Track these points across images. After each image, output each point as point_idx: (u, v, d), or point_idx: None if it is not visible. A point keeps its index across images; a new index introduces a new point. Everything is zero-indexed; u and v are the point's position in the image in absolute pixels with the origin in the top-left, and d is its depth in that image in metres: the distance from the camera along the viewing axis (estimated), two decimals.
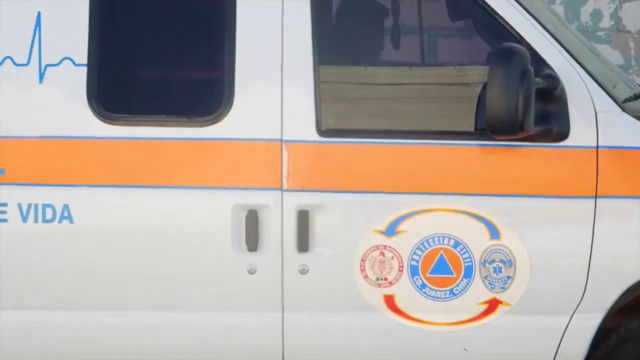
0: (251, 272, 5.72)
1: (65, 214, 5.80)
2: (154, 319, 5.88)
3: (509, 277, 5.68)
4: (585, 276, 5.69)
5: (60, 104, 5.89)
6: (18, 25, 5.91)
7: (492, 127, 5.47)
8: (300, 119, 5.81)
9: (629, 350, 5.90)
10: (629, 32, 10.95)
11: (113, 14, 6.06)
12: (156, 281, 5.93)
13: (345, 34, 6.33)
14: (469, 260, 5.70)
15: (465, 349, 5.79)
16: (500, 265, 5.69)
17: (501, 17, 5.81)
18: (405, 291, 5.72)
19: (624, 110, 5.80)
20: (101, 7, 5.93)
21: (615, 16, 10.89)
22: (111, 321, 5.94)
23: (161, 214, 5.89)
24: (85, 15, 5.85)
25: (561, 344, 5.75)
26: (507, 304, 5.69)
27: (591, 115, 5.67)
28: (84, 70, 5.81)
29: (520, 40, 5.71)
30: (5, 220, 5.84)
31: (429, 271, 5.70)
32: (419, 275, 5.70)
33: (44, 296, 5.92)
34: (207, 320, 5.86)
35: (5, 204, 5.82)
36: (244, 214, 5.74)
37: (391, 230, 5.72)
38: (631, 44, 10.77)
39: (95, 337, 5.95)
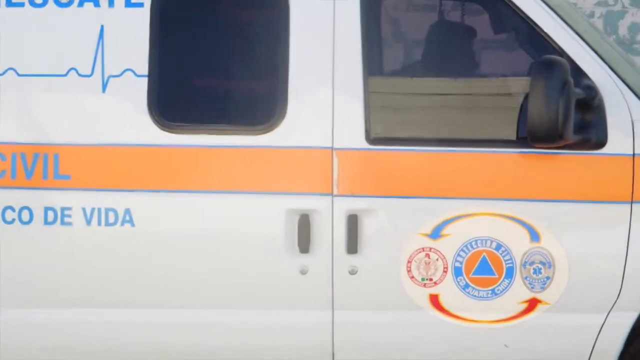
0: (303, 272, 5.87)
1: (127, 218, 5.97)
2: (209, 317, 6.03)
3: (548, 278, 5.82)
4: (621, 277, 5.82)
5: (122, 113, 6.05)
6: (82, 38, 6.07)
7: (533, 135, 5.61)
8: (350, 128, 5.93)
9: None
10: None
11: (172, 27, 6.20)
12: (212, 281, 6.07)
13: (392, 47, 6.49)
14: (510, 261, 5.82)
15: (506, 346, 5.92)
16: (540, 266, 5.83)
17: (543, 30, 5.94)
18: (449, 291, 5.86)
19: None
20: (161, 21, 6.07)
21: None
22: (171, 319, 6.08)
23: (218, 218, 6.03)
24: (146, 28, 6.03)
25: (597, 341, 5.87)
26: (546, 303, 5.82)
27: (628, 124, 5.80)
28: (144, 81, 5.97)
29: (561, 52, 5.83)
30: (70, 224, 6.00)
31: (472, 272, 5.85)
32: (462, 275, 5.86)
33: (107, 295, 6.08)
34: (261, 318, 6.00)
35: (70, 208, 5.96)
36: (296, 218, 5.88)
37: (436, 233, 5.86)
38: None
39: (155, 335, 6.11)
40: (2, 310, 6.13)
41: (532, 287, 5.84)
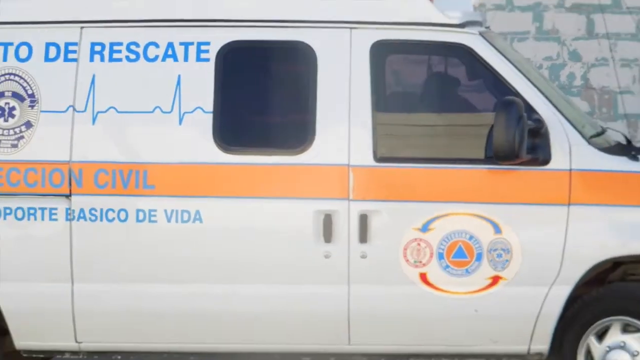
0: (327, 257, 6.70)
1: (197, 217, 6.74)
2: (258, 290, 6.77)
3: (507, 260, 6.64)
4: (561, 260, 6.61)
5: (193, 139, 6.78)
6: (164, 84, 6.80)
7: (497, 155, 6.44)
8: (361, 150, 6.71)
9: (589, 310, 6.75)
10: (594, 89, 11.38)
11: (230, 76, 6.85)
12: (260, 263, 6.76)
13: (393, 91, 7.21)
14: (479, 248, 6.65)
15: (476, 310, 6.66)
16: (501, 252, 6.64)
17: (504, 78, 6.74)
18: (434, 270, 6.68)
19: (590, 143, 6.73)
20: (222, 71, 6.81)
21: (585, 77, 11.34)
22: (228, 291, 6.78)
23: (264, 217, 6.77)
24: (211, 77, 6.79)
25: (543, 307, 6.62)
26: (505, 279, 6.64)
27: (566, 147, 6.62)
28: (210, 116, 6.76)
29: (517, 94, 6.65)
30: (155, 222, 6.77)
31: (451, 256, 6.69)
32: (444, 259, 6.68)
33: (180, 273, 6.79)
34: (297, 290, 6.75)
35: (155, 210, 6.75)
36: (322, 217, 6.69)
37: (425, 228, 6.68)
38: (595, 97, 11.31)
39: (217, 302, 6.78)
40: (105, 284, 6.81)
41: (495, 268, 6.65)
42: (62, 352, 7.16)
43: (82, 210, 6.81)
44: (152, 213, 6.83)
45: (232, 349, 7.07)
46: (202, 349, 7.08)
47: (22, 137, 6.85)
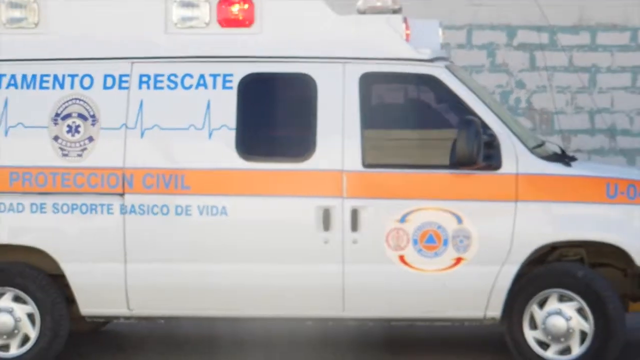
0: (325, 242, 6.74)
1: (223, 211, 6.81)
2: (271, 268, 6.78)
3: (467, 245, 6.68)
4: (510, 244, 6.64)
5: (220, 150, 6.83)
6: (197, 107, 6.85)
7: (459, 162, 6.52)
8: (353, 158, 6.73)
9: (533, 284, 6.80)
10: (536, 110, 11.30)
11: (248, 101, 6.87)
12: (272, 247, 6.78)
13: (377, 112, 7.08)
14: (445, 236, 6.68)
15: (444, 284, 6.72)
16: (463, 238, 6.69)
17: (465, 103, 6.78)
18: (410, 253, 6.70)
19: (532, 153, 6.77)
20: (242, 97, 6.85)
21: (528, 101, 11.24)
22: (247, 269, 6.80)
23: (275, 210, 6.80)
24: (234, 101, 6.85)
25: (496, 281, 6.68)
26: (466, 259, 6.69)
27: (514, 156, 6.67)
28: (233, 132, 6.80)
29: (475, 114, 6.67)
30: (190, 215, 6.81)
31: (424, 242, 6.71)
32: (418, 244, 6.70)
33: (210, 253, 6.83)
34: (302, 268, 6.77)
35: (190, 206, 6.81)
36: (321, 211, 6.71)
37: (403, 219, 6.70)
38: (537, 117, 11.26)
39: (238, 277, 6.82)
40: (151, 264, 6.85)
41: (458, 251, 6.69)
42: (117, 317, 7.29)
43: (132, 206, 6.89)
44: (188, 208, 6.88)
45: (250, 315, 7.11)
46: (227, 314, 7.13)
47: (86, 148, 6.93)
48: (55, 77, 6.98)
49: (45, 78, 6.97)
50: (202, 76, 6.95)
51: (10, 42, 7.04)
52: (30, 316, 7.04)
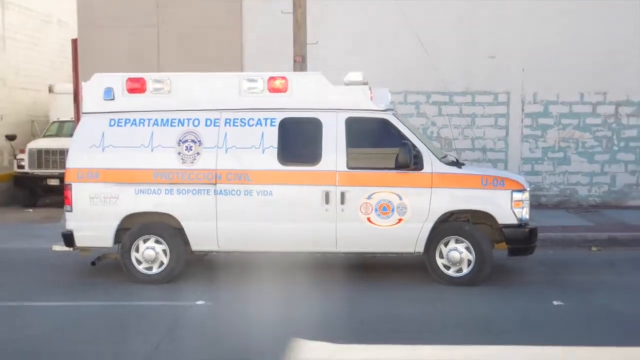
0: (326, 210, 6.59)
1: (270, 193, 6.59)
2: (295, 225, 6.64)
3: (405, 212, 6.57)
4: (428, 211, 6.59)
5: (268, 160, 6.67)
6: (256, 136, 6.70)
7: (400, 166, 6.51)
8: (342, 164, 6.61)
9: (441, 233, 6.61)
10: (442, 137, 11.23)
11: (284, 132, 6.71)
12: (297, 212, 6.64)
13: (354, 139, 6.70)
14: (392, 206, 6.57)
15: (393, 234, 6.55)
16: (403, 208, 6.57)
17: (404, 134, 6.64)
18: (373, 216, 6.58)
19: (440, 161, 6.65)
20: (281, 130, 6.70)
21: (438, 132, 11.19)
22: (276, 226, 6.64)
23: (299, 192, 6.64)
24: (276, 133, 6.71)
25: (420, 232, 6.60)
26: (404, 220, 6.59)
27: (430, 162, 6.58)
28: (276, 149, 6.67)
29: (409, 140, 6.58)
30: (251, 195, 6.63)
31: (381, 210, 6.59)
32: (377, 211, 6.58)
33: (263, 217, 6.61)
34: (312, 225, 6.63)
35: (252, 190, 6.60)
36: (324, 193, 6.59)
37: (369, 197, 6.56)
38: (443, 142, 11.09)
39: (278, 230, 6.67)
40: (231, 222, 6.67)
41: (400, 215, 6.57)
42: (211, 252, 7.19)
43: (221, 190, 6.71)
44: (251, 191, 6.73)
45: (284, 250, 6.98)
46: (271, 250, 7.01)
47: (195, 159, 6.79)
48: (179, 120, 6.84)
49: (173, 121, 6.84)
50: (259, 119, 6.78)
51: (155, 101, 6.91)
52: (164, 251, 6.93)
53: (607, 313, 5.69)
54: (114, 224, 6.78)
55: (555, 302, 6.05)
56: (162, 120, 6.81)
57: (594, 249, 8.57)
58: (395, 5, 10.18)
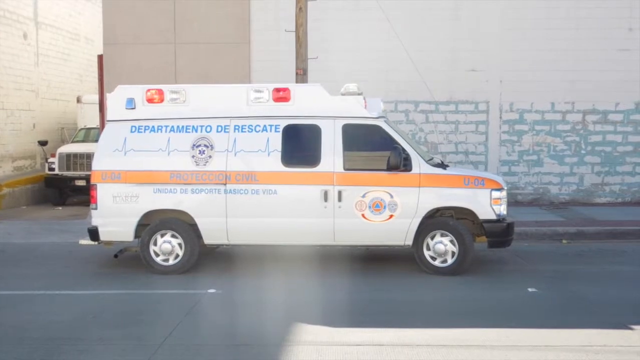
0: (325, 208, 6.48)
1: (274, 192, 6.55)
2: (297, 220, 6.52)
3: (396, 209, 6.47)
4: (416, 208, 6.51)
5: (274, 162, 6.57)
6: (261, 141, 6.59)
7: (391, 168, 6.42)
8: (338, 166, 6.51)
9: (428, 228, 6.56)
10: (429, 142, 11.09)
11: (288, 137, 6.60)
12: (299, 208, 6.50)
13: (350, 143, 6.59)
14: (385, 204, 6.47)
15: (386, 228, 6.45)
16: (394, 205, 6.47)
17: (394, 139, 6.55)
18: (367, 213, 6.50)
19: (427, 163, 6.57)
20: (285, 136, 6.58)
21: (425, 138, 11.08)
22: (279, 221, 6.52)
23: (300, 191, 6.51)
24: (280, 137, 6.58)
25: (410, 226, 6.53)
26: (395, 216, 6.48)
27: (418, 164, 6.49)
28: (280, 153, 6.56)
29: (399, 144, 6.51)
30: (257, 194, 6.53)
31: (374, 207, 6.49)
32: (371, 208, 6.48)
33: (268, 213, 6.52)
34: (313, 220, 6.52)
35: (258, 189, 6.53)
36: (324, 191, 6.49)
37: (364, 196, 6.47)
38: (429, 146, 10.99)
39: (282, 224, 6.49)
40: (239, 218, 6.59)
41: (391, 211, 6.47)
42: (222, 245, 7.00)
43: (230, 189, 6.62)
44: (257, 190, 6.63)
45: (286, 243, 6.79)
46: (275, 243, 6.81)
47: (208, 161, 6.70)
48: (193, 127, 6.75)
49: (188, 128, 6.74)
50: (265, 126, 6.68)
51: (172, 110, 6.83)
52: (180, 244, 6.86)
53: (576, 298, 5.70)
54: (135, 220, 6.72)
55: (530, 289, 6.04)
56: (178, 127, 6.74)
57: (564, 241, 8.61)
58: (388, 26, 10.26)
